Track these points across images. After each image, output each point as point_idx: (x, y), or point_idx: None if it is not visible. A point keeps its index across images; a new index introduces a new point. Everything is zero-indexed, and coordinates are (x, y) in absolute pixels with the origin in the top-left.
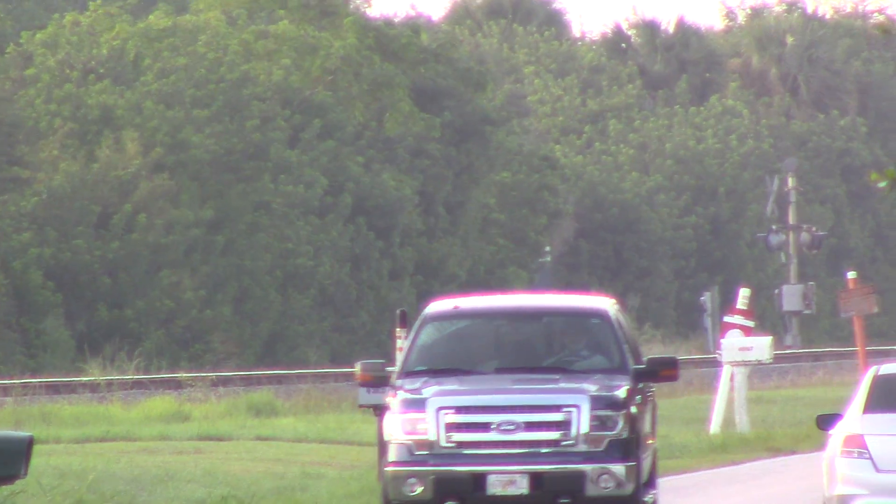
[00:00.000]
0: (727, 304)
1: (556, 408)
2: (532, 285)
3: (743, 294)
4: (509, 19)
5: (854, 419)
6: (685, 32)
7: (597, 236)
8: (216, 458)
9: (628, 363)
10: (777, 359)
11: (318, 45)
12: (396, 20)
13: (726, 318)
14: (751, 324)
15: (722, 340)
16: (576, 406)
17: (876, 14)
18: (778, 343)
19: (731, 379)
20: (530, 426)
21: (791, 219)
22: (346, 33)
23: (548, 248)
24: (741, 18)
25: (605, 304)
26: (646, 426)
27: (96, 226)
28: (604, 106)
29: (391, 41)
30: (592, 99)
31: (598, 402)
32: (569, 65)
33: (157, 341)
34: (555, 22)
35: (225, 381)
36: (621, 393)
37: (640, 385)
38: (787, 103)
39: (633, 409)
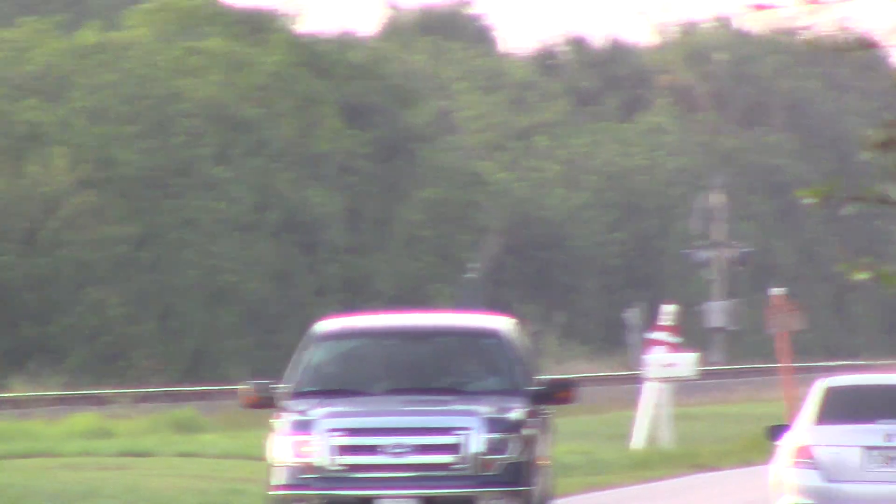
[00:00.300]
0: (653, 320)
1: (449, 430)
2: (457, 302)
3: (668, 310)
4: (439, 36)
5: (804, 430)
6: (614, 49)
7: (523, 253)
8: (139, 474)
9: (523, 384)
10: (702, 375)
11: (247, 62)
12: (326, 37)
13: (652, 335)
14: (676, 340)
15: (647, 356)
16: (469, 428)
17: (805, 31)
18: (703, 359)
19: (656, 395)
20: (422, 449)
21: (718, 235)
22: (275, 50)
23: (474, 265)
24: (671, 35)
25: (501, 323)
26: (541, 450)
27: (23, 242)
28: (532, 122)
29: (320, 57)
30: (521, 115)
31: (491, 424)
32: (498, 81)
33: (82, 357)
34: (484, 38)
35: (149, 398)
36: (516, 415)
37: (536, 407)
38: (716, 120)
39: (528, 432)
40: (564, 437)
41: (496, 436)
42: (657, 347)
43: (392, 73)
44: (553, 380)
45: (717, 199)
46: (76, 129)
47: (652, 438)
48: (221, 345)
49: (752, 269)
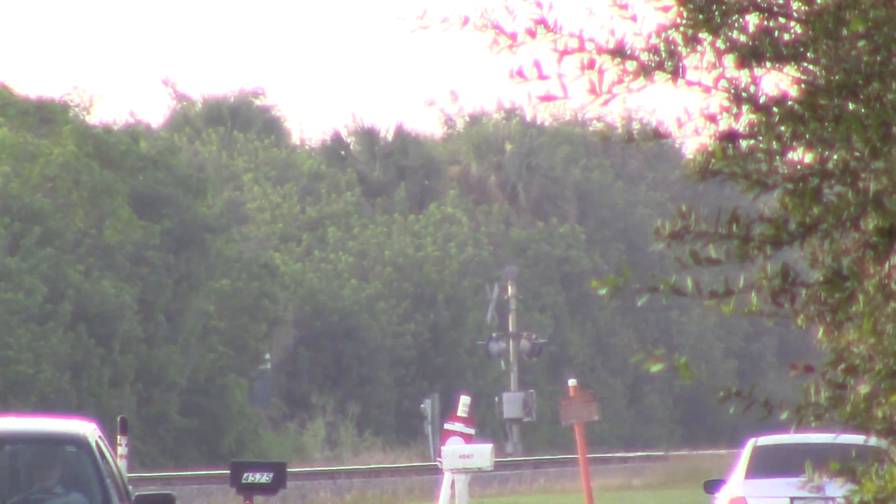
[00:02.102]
0: (448, 411)
1: None
2: (252, 393)
3: (463, 401)
4: (228, 126)
5: (737, 483)
6: (404, 140)
7: (317, 344)
8: None
9: (112, 501)
10: (498, 466)
11: (37, 153)
12: (116, 127)
13: (447, 426)
14: (471, 431)
15: (442, 448)
16: None
17: (595, 121)
18: (499, 450)
19: (452, 486)
20: None
21: (511, 326)
22: (65, 140)
23: (268, 356)
24: (460, 126)
25: (84, 428)
26: None
27: None
28: (323, 213)
29: (110, 148)
30: (311, 206)
31: None
32: (288, 172)
33: None
34: (274, 129)
35: None
36: None
37: None
38: (507, 210)
39: None
40: None
41: None
42: (453, 438)
43: (182, 164)
44: (148, 495)
45: (509, 290)
46: None
47: None
48: None
49: (546, 360)
